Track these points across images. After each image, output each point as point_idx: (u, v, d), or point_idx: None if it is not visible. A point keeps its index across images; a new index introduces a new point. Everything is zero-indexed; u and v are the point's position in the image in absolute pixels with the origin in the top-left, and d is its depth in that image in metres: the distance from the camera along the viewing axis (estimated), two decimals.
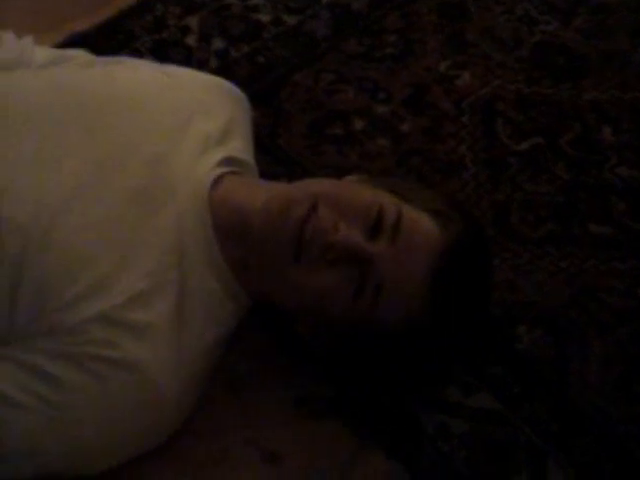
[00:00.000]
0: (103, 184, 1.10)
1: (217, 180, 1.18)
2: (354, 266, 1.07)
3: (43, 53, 1.37)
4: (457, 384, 1.22)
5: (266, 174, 1.36)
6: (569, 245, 1.38)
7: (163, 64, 1.42)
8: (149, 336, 1.06)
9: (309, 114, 1.54)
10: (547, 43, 1.68)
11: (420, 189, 1.24)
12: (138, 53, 1.59)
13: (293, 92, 1.57)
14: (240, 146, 1.27)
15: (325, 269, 1.08)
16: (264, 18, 1.69)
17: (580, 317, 1.30)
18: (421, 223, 1.10)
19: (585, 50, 1.66)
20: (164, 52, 1.61)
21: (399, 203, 1.11)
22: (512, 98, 1.58)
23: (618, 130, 1.54)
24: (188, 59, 1.60)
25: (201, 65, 1.59)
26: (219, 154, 1.20)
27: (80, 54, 1.39)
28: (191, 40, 1.64)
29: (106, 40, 1.62)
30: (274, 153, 1.48)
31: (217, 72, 1.51)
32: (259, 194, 1.15)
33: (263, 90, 1.57)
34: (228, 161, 1.21)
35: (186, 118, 1.20)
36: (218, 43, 1.64)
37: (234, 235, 1.15)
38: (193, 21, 1.67)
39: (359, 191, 1.13)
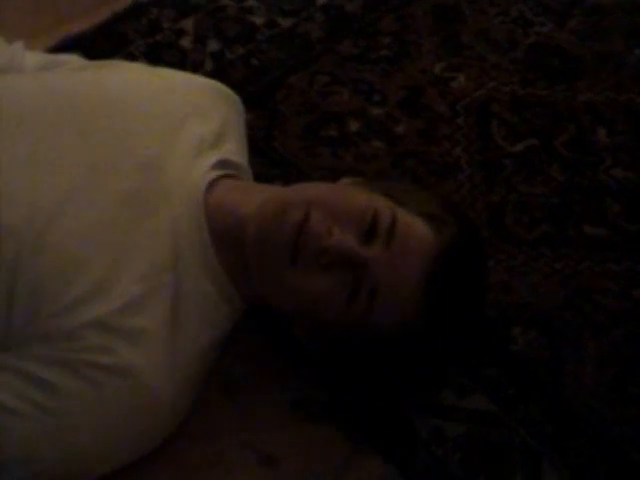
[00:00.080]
0: (96, 187, 1.10)
1: (212, 183, 1.18)
2: (348, 270, 1.07)
3: (34, 58, 1.37)
4: (451, 386, 1.22)
5: (261, 176, 1.36)
6: (564, 246, 1.39)
7: (157, 67, 1.42)
8: (143, 341, 1.06)
9: (304, 116, 1.54)
10: (542, 45, 1.68)
11: (415, 191, 1.24)
12: (132, 57, 1.59)
13: (288, 94, 1.57)
14: (234, 149, 1.27)
15: (319, 273, 1.07)
16: (258, 20, 1.68)
17: (575, 318, 1.30)
18: (415, 227, 1.10)
19: (580, 52, 1.66)
20: (158, 55, 1.61)
21: (394, 207, 1.11)
22: (507, 100, 1.58)
23: (613, 131, 1.54)
24: (183, 62, 1.60)
25: (196, 67, 1.59)
26: (213, 157, 1.20)
27: (73, 59, 1.39)
28: (186, 42, 1.64)
29: (100, 44, 1.61)
30: (269, 155, 1.48)
31: (212, 74, 1.52)
32: (254, 197, 1.15)
33: (258, 92, 1.57)
34: (222, 164, 1.21)
35: (179, 121, 1.20)
36: (213, 45, 1.64)
37: (229, 238, 1.15)
38: (188, 24, 1.67)
39: (354, 195, 1.13)
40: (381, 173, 1.46)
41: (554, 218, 1.42)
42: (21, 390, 1.03)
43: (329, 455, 1.17)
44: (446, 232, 1.10)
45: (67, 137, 1.13)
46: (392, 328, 1.09)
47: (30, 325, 1.04)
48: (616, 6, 1.74)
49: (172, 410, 1.10)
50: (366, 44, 1.66)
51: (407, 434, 1.18)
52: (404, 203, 1.13)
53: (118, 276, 1.06)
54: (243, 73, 1.60)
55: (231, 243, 1.15)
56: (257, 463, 1.16)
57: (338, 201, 1.11)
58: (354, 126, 1.53)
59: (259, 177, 1.35)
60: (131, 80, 1.27)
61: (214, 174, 1.19)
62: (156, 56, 1.60)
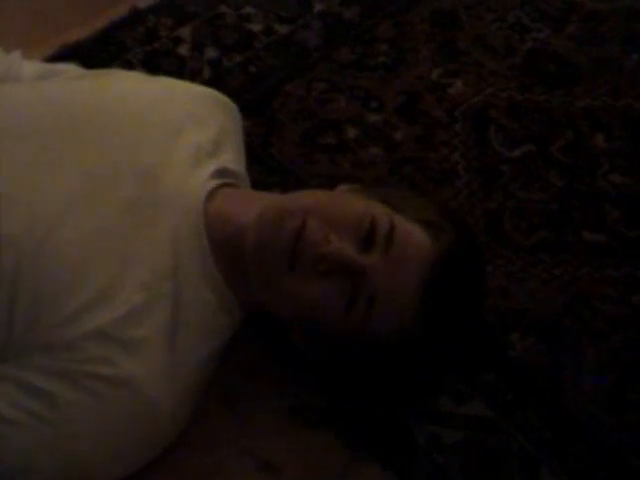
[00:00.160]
0: (96, 196, 1.10)
1: (211, 192, 1.18)
2: (346, 278, 1.07)
3: (32, 67, 1.37)
4: (449, 393, 1.22)
5: (259, 184, 1.36)
6: (562, 252, 1.39)
7: (155, 75, 1.42)
8: (143, 351, 1.06)
9: (301, 123, 1.54)
10: (539, 51, 1.68)
11: (413, 198, 1.24)
12: (130, 65, 1.59)
13: (285, 101, 1.57)
14: (232, 157, 1.27)
15: (318, 280, 1.08)
16: (255, 28, 1.68)
17: (574, 324, 1.30)
18: (413, 234, 1.10)
19: (577, 57, 1.66)
20: (156, 63, 1.61)
21: (391, 214, 1.11)
22: (504, 106, 1.58)
23: (610, 137, 1.54)
24: (180, 69, 1.60)
25: (194, 75, 1.59)
26: (212, 166, 1.20)
27: (70, 68, 1.39)
28: (183, 50, 1.64)
29: (98, 52, 1.61)
30: (267, 163, 1.48)
31: (210, 82, 1.52)
32: (253, 206, 1.15)
33: (256, 100, 1.57)
34: (220, 173, 1.21)
35: (177, 130, 1.20)
36: (211, 52, 1.64)
37: (229, 247, 1.15)
38: (185, 31, 1.67)
39: (351, 202, 1.13)
40: (379, 180, 1.46)
41: (552, 224, 1.42)
42: (19, 400, 1.03)
43: (328, 462, 1.17)
44: (444, 239, 1.11)
45: (65, 146, 1.13)
46: (390, 335, 1.09)
47: (31, 334, 1.04)
48: (613, 12, 1.74)
49: (172, 420, 1.10)
50: (363, 51, 1.66)
51: (405, 441, 1.18)
52: (402, 210, 1.13)
53: (122, 284, 1.07)
54: (241, 80, 1.60)
55: (230, 252, 1.15)
56: (256, 469, 1.16)
57: (335, 208, 1.11)
58: (351, 133, 1.54)
59: (257, 184, 1.35)
60: (129, 89, 1.27)
61: (213, 183, 1.19)
62: (154, 64, 1.61)
